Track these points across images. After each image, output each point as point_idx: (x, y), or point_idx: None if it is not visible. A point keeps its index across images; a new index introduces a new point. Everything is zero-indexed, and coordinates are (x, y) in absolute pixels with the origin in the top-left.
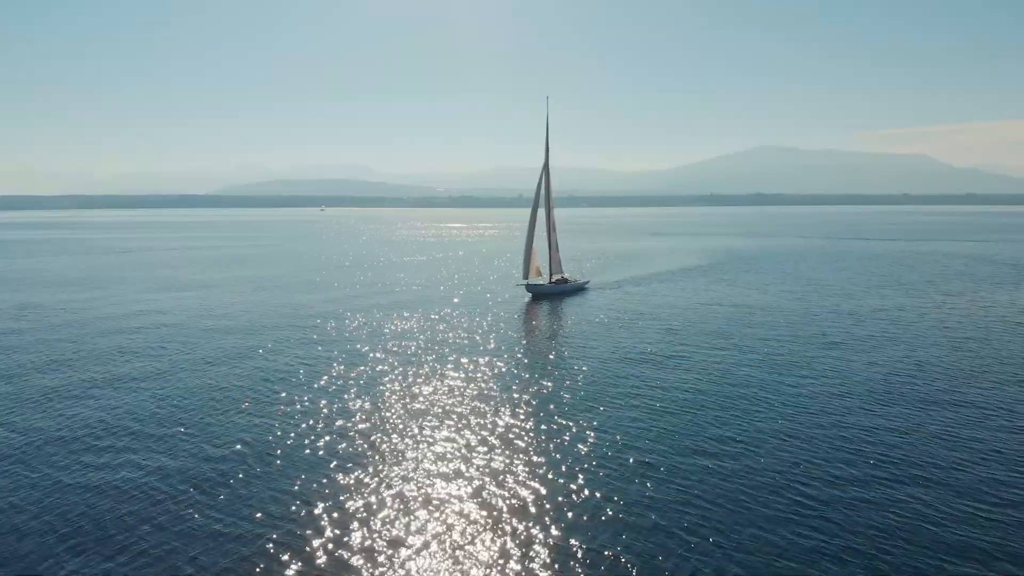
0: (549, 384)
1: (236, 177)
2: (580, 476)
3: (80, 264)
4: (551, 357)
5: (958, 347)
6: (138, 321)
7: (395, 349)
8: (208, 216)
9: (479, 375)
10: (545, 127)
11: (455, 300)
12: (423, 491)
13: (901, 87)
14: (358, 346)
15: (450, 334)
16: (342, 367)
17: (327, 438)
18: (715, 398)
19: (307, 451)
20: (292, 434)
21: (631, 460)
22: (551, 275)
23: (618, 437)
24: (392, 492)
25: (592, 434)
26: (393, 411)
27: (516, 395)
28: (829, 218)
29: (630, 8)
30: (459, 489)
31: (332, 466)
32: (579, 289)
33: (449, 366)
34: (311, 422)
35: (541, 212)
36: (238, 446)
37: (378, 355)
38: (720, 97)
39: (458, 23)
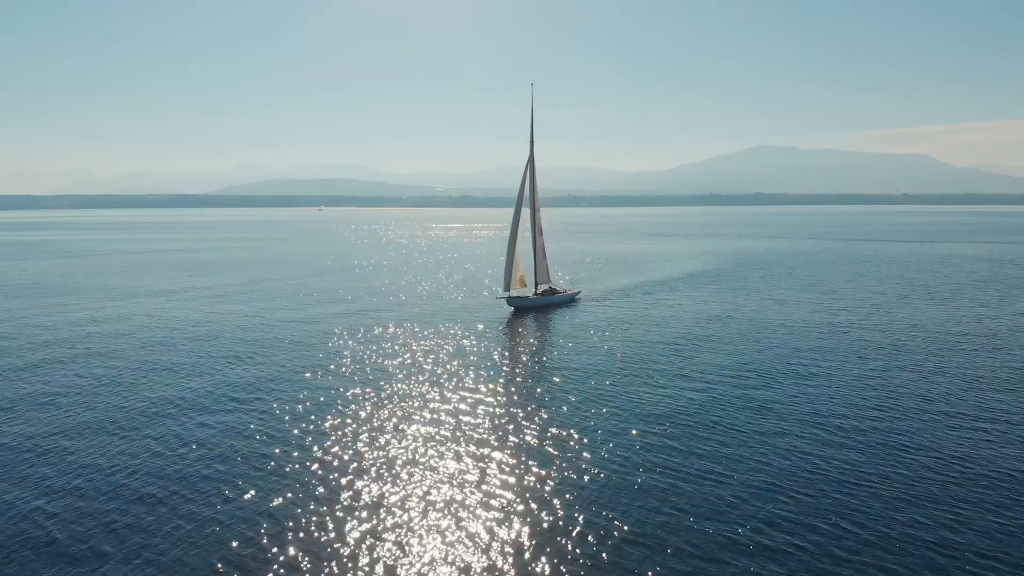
0: (524, 427)
1: (236, 177)
2: (561, 544)
3: (45, 269)
4: (529, 389)
5: (1022, 380)
6: (59, 348)
7: (353, 372)
8: (203, 216)
9: (444, 407)
10: (530, 117)
11: (432, 313)
12: (392, 536)
13: (901, 87)
14: (311, 367)
15: (419, 357)
16: (291, 392)
17: (287, 477)
18: (732, 447)
19: (270, 487)
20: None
21: (621, 531)
22: (536, 285)
23: (610, 499)
24: (358, 539)
25: (577, 489)
26: (347, 448)
27: (489, 431)
28: (834, 218)
29: (630, 7)
30: (428, 539)
31: (302, 506)
32: (569, 301)
33: (414, 394)
34: (265, 462)
35: (526, 212)
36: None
37: (333, 378)
38: (720, 97)
39: (459, 22)
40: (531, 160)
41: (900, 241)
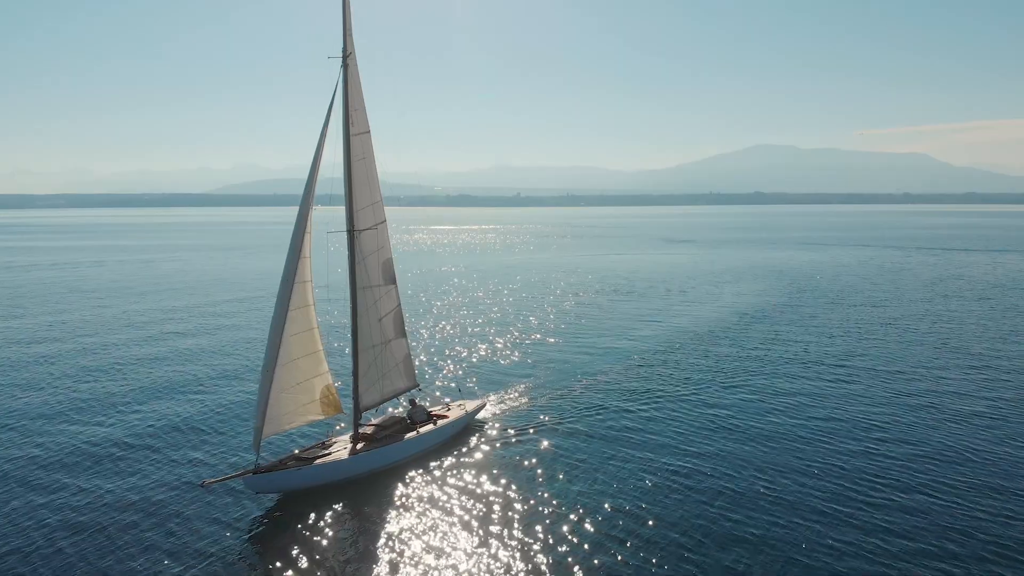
0: None
1: (234, 176)
2: None
3: None
4: None
5: None
6: None
7: None
8: (185, 216)
9: None
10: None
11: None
12: None
13: (901, 87)
14: None
15: None
16: None
17: None
18: None
19: None
20: None
21: None
22: (359, 412)
23: None
24: None
25: None
26: None
27: None
28: (849, 219)
29: (629, 6)
30: None
31: None
32: (450, 435)
33: None
34: None
35: (320, 216)
36: None
37: None
38: (720, 96)
39: (456, 20)
40: (344, 81)
41: (1001, 251)
